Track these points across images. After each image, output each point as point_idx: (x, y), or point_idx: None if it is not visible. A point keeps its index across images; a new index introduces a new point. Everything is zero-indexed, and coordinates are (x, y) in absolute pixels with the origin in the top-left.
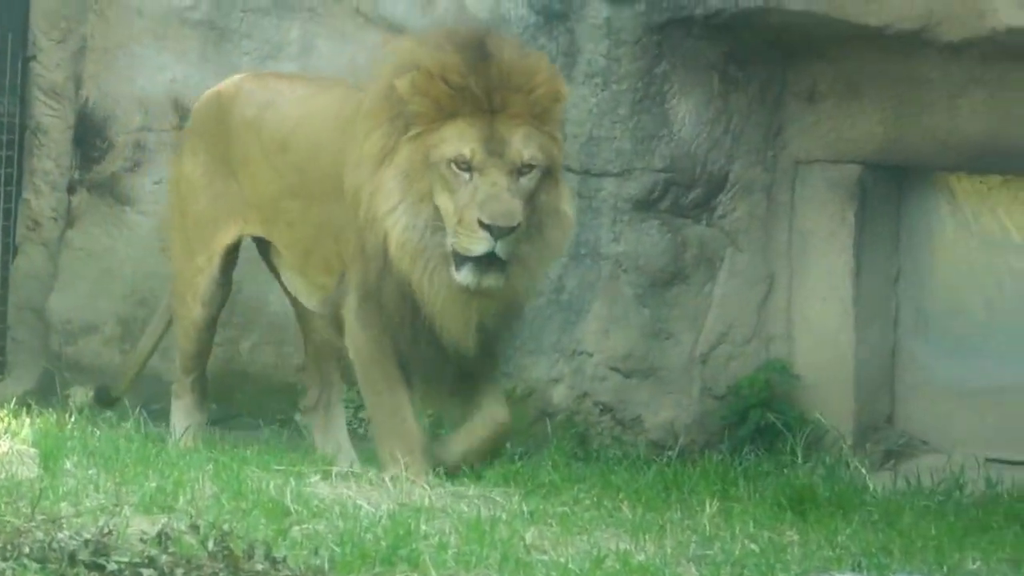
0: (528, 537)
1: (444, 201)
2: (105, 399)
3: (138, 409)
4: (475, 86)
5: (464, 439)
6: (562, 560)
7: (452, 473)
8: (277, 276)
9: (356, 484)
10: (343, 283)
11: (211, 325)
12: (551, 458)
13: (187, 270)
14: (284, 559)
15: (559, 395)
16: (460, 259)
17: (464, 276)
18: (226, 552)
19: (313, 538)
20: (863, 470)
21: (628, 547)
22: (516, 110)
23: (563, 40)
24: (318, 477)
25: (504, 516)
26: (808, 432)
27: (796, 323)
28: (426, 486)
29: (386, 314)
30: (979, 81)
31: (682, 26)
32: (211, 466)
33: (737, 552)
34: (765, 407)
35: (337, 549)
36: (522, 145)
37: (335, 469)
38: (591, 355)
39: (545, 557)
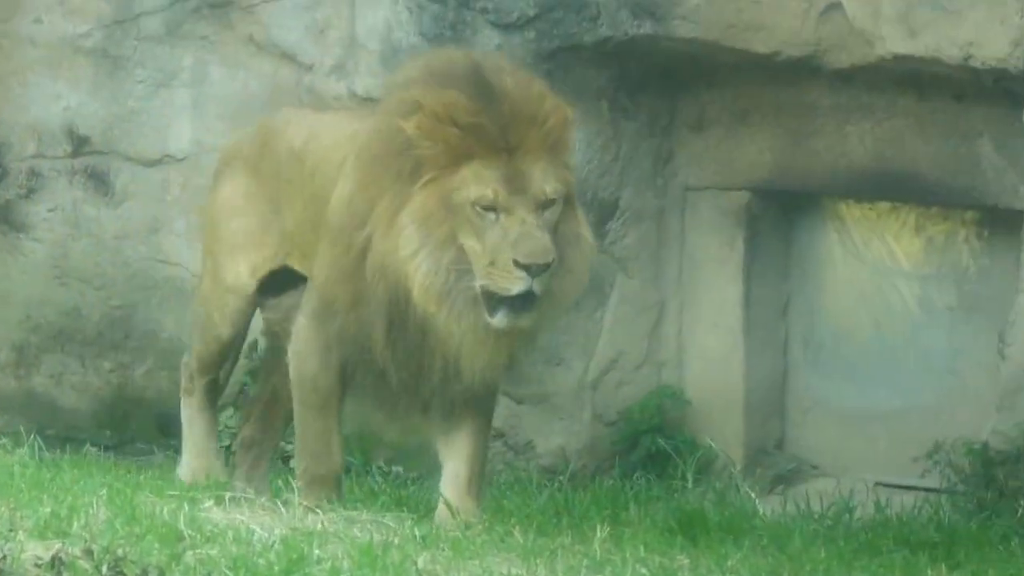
0: (420, 562)
1: (472, 243)
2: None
3: (32, 435)
4: (487, 124)
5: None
6: None
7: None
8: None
9: (249, 509)
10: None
11: (232, 344)
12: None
13: (216, 291)
14: None
15: None
16: (495, 300)
17: (500, 319)
18: None
19: (206, 563)
20: (752, 495)
21: (520, 572)
22: (531, 144)
23: None
24: (212, 502)
25: (396, 540)
26: (699, 457)
27: (687, 349)
28: (319, 512)
29: (359, 343)
30: (867, 108)
31: (572, 54)
32: (105, 491)
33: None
34: (656, 432)
35: (230, 574)
36: (543, 180)
37: (228, 495)
38: None
39: None
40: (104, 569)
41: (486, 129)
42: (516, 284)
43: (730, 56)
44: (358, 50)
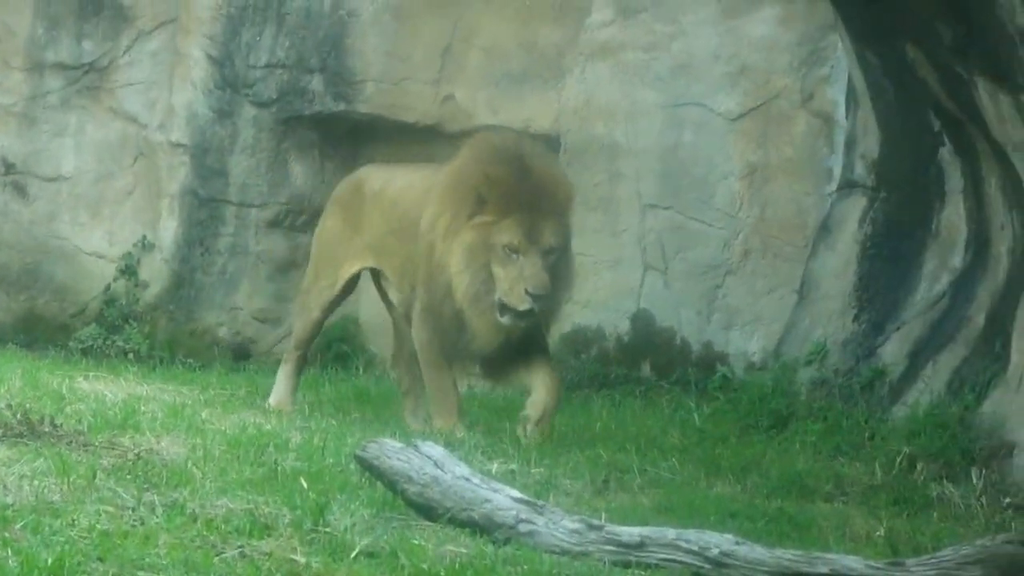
0: (203, 414)
1: (498, 271)
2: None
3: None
4: (522, 192)
5: (532, 412)
6: (222, 428)
7: (541, 434)
8: (384, 296)
9: (102, 382)
10: (413, 294)
11: (322, 324)
12: (218, 369)
13: (315, 288)
14: (61, 424)
15: (223, 332)
16: (505, 309)
17: (506, 320)
18: (27, 420)
19: (79, 413)
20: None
21: (261, 420)
22: (546, 209)
23: (229, 127)
24: (82, 378)
25: (190, 402)
26: (367, 356)
27: (361, 294)
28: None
29: (441, 324)
30: None
31: (298, 121)
32: (19, 370)
33: (324, 425)
34: (340, 342)
35: (92, 420)
36: (551, 235)
37: (91, 374)
38: (241, 309)
39: (214, 426)
40: (18, 415)
41: (521, 196)
42: (523, 304)
43: (389, 124)
44: (174, 116)
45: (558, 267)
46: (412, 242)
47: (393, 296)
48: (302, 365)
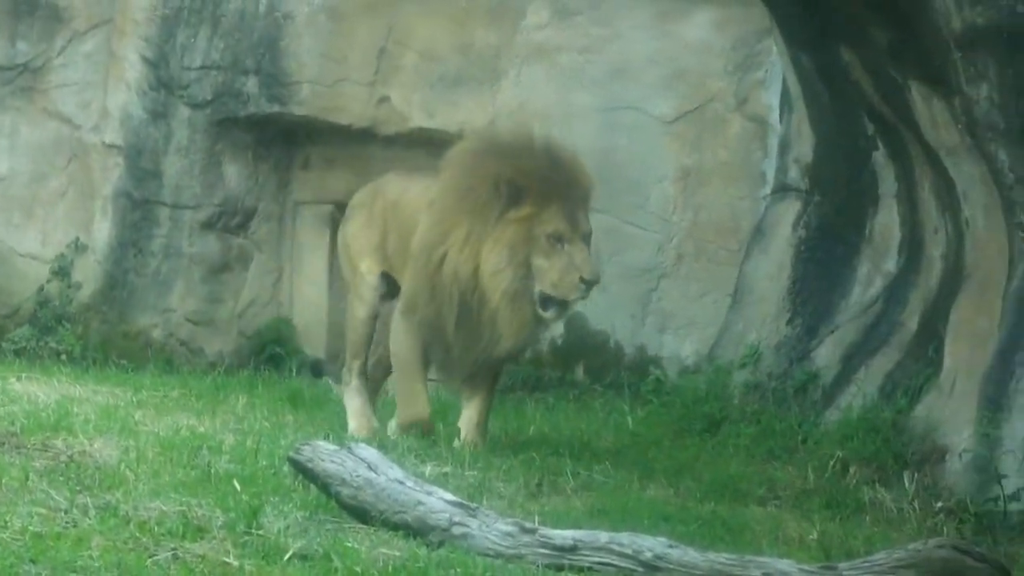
0: (136, 415)
1: (540, 262)
2: (318, 373)
3: None
4: (559, 180)
5: (467, 425)
6: (155, 430)
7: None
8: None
9: (35, 383)
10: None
11: (371, 321)
12: (151, 370)
13: (355, 278)
14: None
15: (156, 334)
16: (549, 302)
17: (551, 313)
18: None
19: (11, 415)
20: (331, 381)
21: (195, 422)
22: (578, 196)
23: (163, 129)
24: (15, 380)
25: (123, 404)
26: (299, 358)
27: (295, 295)
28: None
29: (442, 337)
30: (402, 158)
31: (232, 122)
32: None
33: (257, 427)
34: (274, 343)
35: (25, 421)
36: (586, 222)
37: (24, 375)
38: (175, 311)
39: (147, 428)
40: None
41: (559, 184)
42: (575, 293)
43: (324, 126)
44: (108, 117)
45: None
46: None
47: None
48: (364, 380)
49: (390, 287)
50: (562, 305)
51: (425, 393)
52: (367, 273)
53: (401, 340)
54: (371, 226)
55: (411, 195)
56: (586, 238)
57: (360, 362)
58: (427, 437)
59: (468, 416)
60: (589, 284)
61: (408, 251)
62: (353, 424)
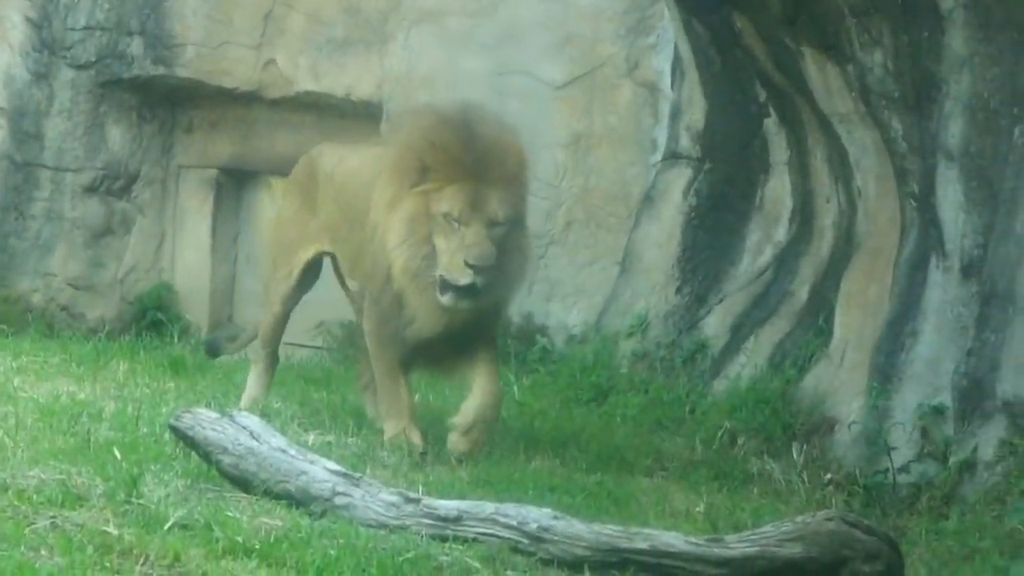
0: (15, 381)
1: (440, 243)
2: (214, 352)
3: None
4: (466, 159)
5: (461, 420)
6: (35, 396)
7: (469, 444)
8: (342, 282)
9: None
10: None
11: (286, 317)
12: (31, 335)
13: (274, 280)
14: None
15: (36, 298)
16: (446, 286)
17: (447, 299)
18: None
19: None
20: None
21: (75, 389)
22: (494, 177)
23: (46, 90)
24: None
25: (1, 369)
26: (181, 324)
27: (177, 261)
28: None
29: (382, 310)
30: (288, 122)
31: (116, 84)
32: None
33: (138, 394)
34: (156, 309)
35: None
36: (496, 205)
37: None
38: (56, 275)
39: (26, 394)
40: None
41: (464, 163)
42: (463, 277)
43: (209, 89)
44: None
45: (508, 243)
46: (362, 228)
47: (349, 284)
48: (273, 363)
49: (335, 266)
50: (458, 291)
51: (404, 387)
52: (297, 265)
53: (371, 326)
54: (307, 206)
55: (349, 165)
56: (494, 223)
57: (270, 351)
58: (420, 454)
59: (463, 412)
60: (477, 270)
61: (350, 224)
62: (247, 400)
